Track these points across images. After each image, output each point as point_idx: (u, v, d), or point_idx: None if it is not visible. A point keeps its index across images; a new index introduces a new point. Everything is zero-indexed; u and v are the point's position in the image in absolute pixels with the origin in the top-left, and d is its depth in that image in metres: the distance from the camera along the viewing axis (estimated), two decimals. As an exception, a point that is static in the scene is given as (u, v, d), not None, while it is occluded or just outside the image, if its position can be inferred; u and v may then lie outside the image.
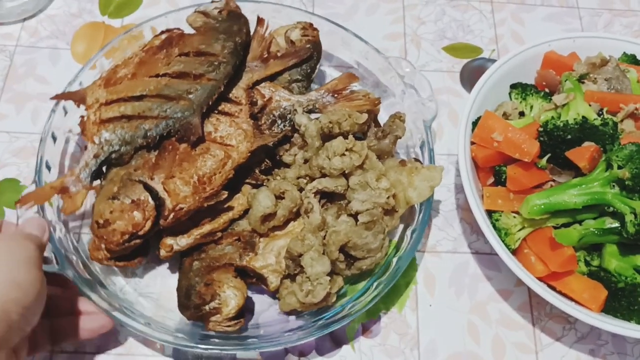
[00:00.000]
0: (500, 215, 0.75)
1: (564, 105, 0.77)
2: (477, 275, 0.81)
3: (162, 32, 0.80)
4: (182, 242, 0.71)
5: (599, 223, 0.71)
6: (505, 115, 0.81)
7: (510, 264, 0.71)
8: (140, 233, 0.68)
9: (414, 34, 0.98)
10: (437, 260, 0.82)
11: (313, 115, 0.78)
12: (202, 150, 0.72)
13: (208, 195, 0.70)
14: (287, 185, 0.72)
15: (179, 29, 0.81)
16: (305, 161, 0.76)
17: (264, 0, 0.89)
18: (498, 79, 0.83)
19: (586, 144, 0.72)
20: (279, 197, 0.73)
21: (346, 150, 0.72)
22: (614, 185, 0.70)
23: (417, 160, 0.78)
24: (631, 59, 0.85)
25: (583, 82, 0.80)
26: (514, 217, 0.75)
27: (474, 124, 0.79)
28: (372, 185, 0.71)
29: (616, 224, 0.70)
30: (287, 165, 0.77)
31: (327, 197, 0.75)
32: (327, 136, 0.75)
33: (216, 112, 0.76)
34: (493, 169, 0.79)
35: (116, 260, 0.71)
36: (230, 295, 0.68)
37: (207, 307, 0.68)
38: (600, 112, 0.76)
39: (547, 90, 0.84)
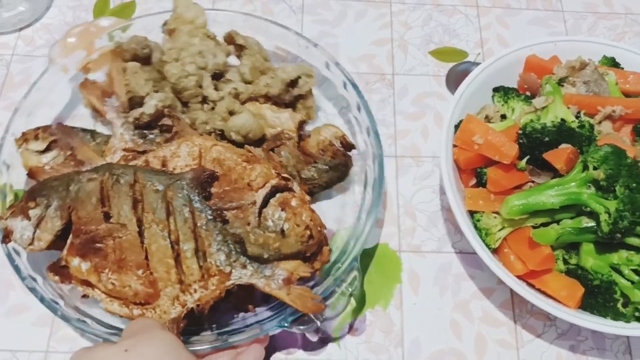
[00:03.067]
0: (482, 216, 0.77)
1: (543, 108, 0.79)
2: (460, 274, 0.83)
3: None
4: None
5: (576, 222, 0.73)
6: (488, 118, 0.84)
7: (490, 263, 0.73)
8: None
9: (401, 39, 1.01)
10: (422, 260, 0.84)
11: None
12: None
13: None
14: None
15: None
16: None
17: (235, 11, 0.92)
18: (481, 82, 0.85)
19: (563, 145, 0.74)
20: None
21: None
22: (590, 186, 0.72)
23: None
24: (610, 62, 0.87)
25: (562, 85, 0.82)
26: (495, 217, 0.77)
27: (457, 127, 0.81)
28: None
29: (592, 223, 0.72)
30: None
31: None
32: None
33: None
34: (475, 171, 0.81)
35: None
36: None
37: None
38: (578, 115, 0.78)
39: (528, 93, 0.86)
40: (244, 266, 0.70)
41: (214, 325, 0.76)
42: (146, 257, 0.70)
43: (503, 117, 0.84)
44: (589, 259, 0.74)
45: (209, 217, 0.71)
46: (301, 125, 0.85)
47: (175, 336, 0.63)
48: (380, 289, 0.82)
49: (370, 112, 0.83)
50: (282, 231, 0.72)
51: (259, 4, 1.02)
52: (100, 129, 0.86)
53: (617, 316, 0.73)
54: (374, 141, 0.81)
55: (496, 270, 0.73)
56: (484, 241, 0.76)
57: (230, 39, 0.86)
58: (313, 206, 0.82)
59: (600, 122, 0.79)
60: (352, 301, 0.80)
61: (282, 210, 0.73)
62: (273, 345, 0.77)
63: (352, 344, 0.79)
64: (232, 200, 0.73)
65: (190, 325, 0.71)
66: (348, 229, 0.80)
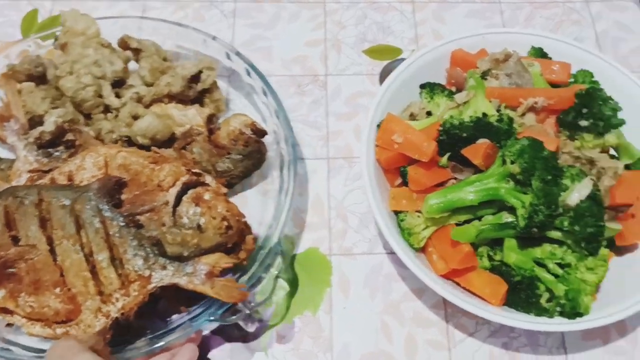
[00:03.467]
0: (406, 216, 0.76)
1: (465, 103, 0.78)
2: (391, 274, 0.82)
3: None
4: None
5: (496, 218, 0.72)
6: (413, 116, 0.82)
7: (409, 263, 0.71)
8: None
9: (335, 38, 0.99)
10: (353, 263, 0.83)
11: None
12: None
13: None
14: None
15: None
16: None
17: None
18: (406, 79, 0.83)
19: (480, 141, 0.73)
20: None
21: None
22: (508, 181, 0.70)
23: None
24: (539, 53, 0.85)
25: (486, 79, 0.80)
26: (419, 216, 0.76)
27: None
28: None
29: (512, 219, 0.71)
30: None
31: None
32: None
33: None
34: (399, 170, 0.79)
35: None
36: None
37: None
38: (499, 108, 0.76)
39: (454, 88, 0.84)
40: (164, 267, 0.70)
41: (148, 331, 0.75)
42: (62, 274, 0.69)
43: (429, 113, 0.83)
44: (512, 254, 0.72)
45: (121, 224, 0.70)
46: (211, 119, 0.84)
47: (96, 356, 0.61)
48: (309, 294, 0.81)
49: (277, 95, 0.83)
50: (199, 226, 0.72)
51: (190, 10, 1.01)
52: (6, 154, 0.85)
53: (540, 312, 0.71)
54: (284, 123, 0.81)
55: (416, 271, 0.71)
56: (408, 241, 0.75)
57: (124, 44, 0.85)
58: (236, 197, 0.84)
59: (523, 115, 0.77)
60: (284, 284, 0.81)
61: (196, 205, 0.73)
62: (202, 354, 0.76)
63: (279, 352, 0.77)
64: (144, 203, 0.73)
65: (121, 335, 0.71)
66: (270, 213, 0.79)
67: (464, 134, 0.73)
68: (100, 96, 0.83)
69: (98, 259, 0.69)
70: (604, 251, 0.69)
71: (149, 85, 0.85)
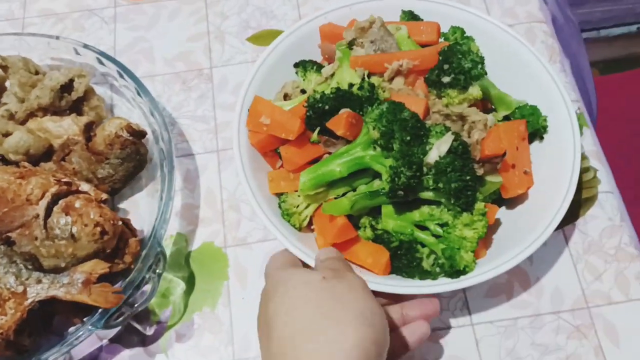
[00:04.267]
0: (287, 196, 0.74)
1: (332, 75, 0.77)
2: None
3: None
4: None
5: (368, 187, 0.70)
6: (287, 96, 0.81)
7: (286, 243, 0.70)
8: None
9: (218, 30, 0.98)
10: (248, 252, 0.81)
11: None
12: None
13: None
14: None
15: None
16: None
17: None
18: (277, 59, 0.82)
19: (342, 111, 0.71)
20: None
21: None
22: (375, 147, 0.69)
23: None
24: (409, 15, 0.84)
25: (352, 49, 0.79)
26: (299, 196, 0.74)
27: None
28: None
29: (383, 185, 0.69)
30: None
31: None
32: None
33: None
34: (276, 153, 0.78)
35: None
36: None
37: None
38: (364, 77, 0.75)
39: (327, 63, 0.83)
40: (39, 281, 0.69)
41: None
42: None
43: (304, 92, 0.81)
44: (389, 221, 0.71)
45: None
46: (90, 127, 0.83)
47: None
48: (207, 289, 0.79)
49: (149, 93, 0.81)
50: (72, 235, 0.71)
51: (69, 22, 0.99)
52: None
53: (423, 275, 0.70)
54: (159, 120, 0.80)
55: (294, 251, 0.70)
56: (289, 222, 0.73)
57: None
58: (127, 202, 0.84)
59: (392, 80, 0.76)
60: (180, 282, 0.80)
61: (67, 214, 0.71)
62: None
63: (180, 351, 0.76)
64: (14, 220, 0.71)
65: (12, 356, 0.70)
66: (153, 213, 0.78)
67: (326, 107, 0.72)
68: (-28, 118, 0.81)
69: (-33, 282, 0.68)
70: (479, 205, 0.68)
71: (22, 101, 0.83)
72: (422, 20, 0.83)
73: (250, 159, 0.76)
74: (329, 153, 0.74)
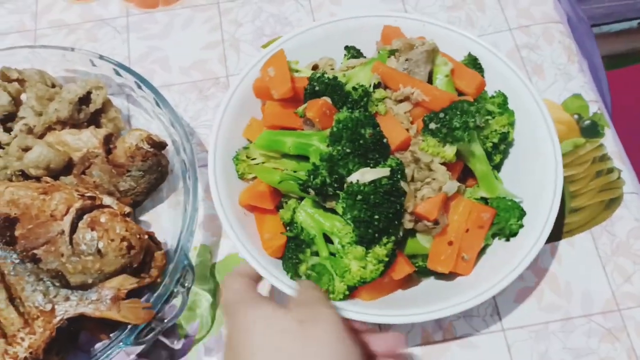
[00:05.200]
0: (249, 147, 0.77)
1: (354, 67, 0.77)
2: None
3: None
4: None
5: (299, 173, 0.70)
6: (316, 67, 0.81)
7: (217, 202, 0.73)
8: None
9: (232, 38, 0.97)
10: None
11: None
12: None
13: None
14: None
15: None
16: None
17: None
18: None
19: (323, 98, 0.71)
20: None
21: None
22: (328, 144, 0.68)
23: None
24: (472, 62, 0.80)
25: (390, 57, 0.78)
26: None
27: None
28: None
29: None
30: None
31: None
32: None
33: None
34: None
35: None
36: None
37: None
38: (377, 85, 0.74)
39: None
40: (67, 298, 0.68)
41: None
42: (-40, 323, 0.67)
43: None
44: (302, 212, 0.70)
45: (16, 261, 0.68)
46: (109, 139, 0.82)
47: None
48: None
49: (168, 104, 0.80)
50: (99, 251, 0.70)
51: (82, 32, 0.98)
52: None
53: (294, 276, 0.71)
54: (180, 131, 0.79)
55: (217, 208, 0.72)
56: (236, 166, 0.77)
57: (4, 76, 0.82)
58: (148, 214, 0.83)
59: (400, 102, 0.74)
60: (207, 296, 0.79)
61: (92, 230, 0.71)
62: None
63: (209, 365, 0.75)
64: (39, 236, 0.71)
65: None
66: (179, 226, 0.77)
67: (317, 88, 0.72)
68: (-11, 134, 0.80)
69: (-5, 301, 0.67)
70: (379, 251, 0.66)
71: (39, 114, 0.82)
72: (482, 69, 0.81)
73: (223, 172, 0.76)
74: (302, 130, 0.74)
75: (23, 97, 0.84)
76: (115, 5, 1.00)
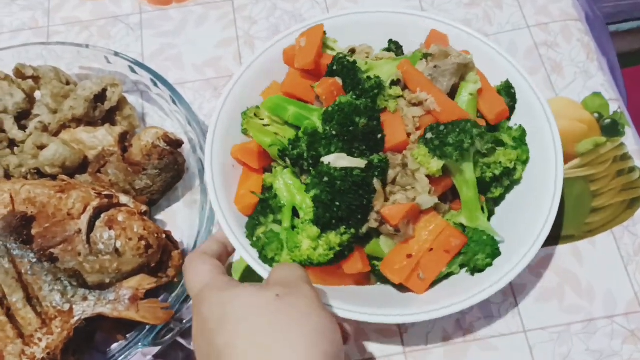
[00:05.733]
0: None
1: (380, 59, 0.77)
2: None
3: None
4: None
5: (288, 140, 0.70)
6: (352, 50, 0.79)
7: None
8: None
9: (247, 35, 0.96)
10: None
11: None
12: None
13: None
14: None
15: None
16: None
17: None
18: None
19: (335, 78, 0.71)
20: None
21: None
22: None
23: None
24: (505, 90, 0.77)
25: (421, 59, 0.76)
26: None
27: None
28: None
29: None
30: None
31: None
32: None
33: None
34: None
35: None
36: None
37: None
38: (396, 83, 0.73)
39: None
40: (85, 298, 0.67)
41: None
42: (-24, 323, 0.66)
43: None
44: (280, 179, 0.70)
45: (33, 260, 0.67)
46: (124, 137, 0.81)
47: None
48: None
49: (185, 102, 0.80)
50: (117, 250, 0.70)
51: (95, 29, 0.97)
52: None
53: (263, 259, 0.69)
54: (197, 129, 0.78)
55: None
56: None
57: (19, 73, 0.81)
58: (163, 213, 0.82)
59: (413, 105, 0.72)
60: None
61: (110, 229, 0.70)
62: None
63: None
64: (56, 235, 0.70)
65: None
66: (196, 225, 0.76)
67: (334, 68, 0.72)
68: (4, 131, 0.79)
69: (12, 300, 0.66)
70: (333, 238, 0.65)
71: (54, 112, 0.81)
72: (515, 99, 0.77)
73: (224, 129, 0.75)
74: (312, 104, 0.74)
75: (37, 94, 0.84)
76: (128, 2, 0.99)
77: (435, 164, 0.67)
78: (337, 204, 0.63)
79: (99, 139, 0.79)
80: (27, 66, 0.81)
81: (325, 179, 0.64)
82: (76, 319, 0.66)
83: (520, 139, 0.74)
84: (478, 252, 0.68)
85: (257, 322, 0.50)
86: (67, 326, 0.66)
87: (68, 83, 0.84)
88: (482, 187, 0.71)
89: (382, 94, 0.71)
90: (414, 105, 0.72)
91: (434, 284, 0.69)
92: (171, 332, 0.69)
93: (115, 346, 0.74)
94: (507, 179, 0.73)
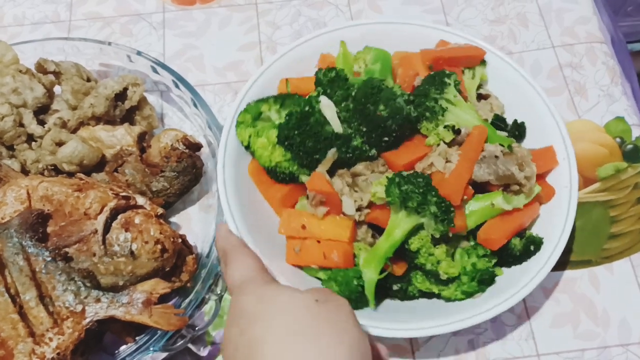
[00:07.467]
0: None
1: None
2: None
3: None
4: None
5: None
6: None
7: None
8: None
9: (270, 40, 0.95)
10: (305, 272, 0.78)
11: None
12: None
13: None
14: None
15: None
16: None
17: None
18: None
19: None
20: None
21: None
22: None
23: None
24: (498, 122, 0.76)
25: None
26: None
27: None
28: None
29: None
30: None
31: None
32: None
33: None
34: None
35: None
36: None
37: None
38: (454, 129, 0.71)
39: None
40: (98, 300, 0.66)
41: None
42: (-12, 320, 0.65)
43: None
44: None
45: (47, 259, 0.66)
46: (143, 137, 0.80)
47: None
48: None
49: (206, 105, 0.80)
50: (132, 252, 0.69)
51: (117, 26, 0.96)
52: None
53: None
54: (217, 134, 0.77)
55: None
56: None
57: (41, 68, 0.80)
58: (178, 216, 0.81)
59: (451, 130, 0.70)
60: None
61: (127, 231, 0.69)
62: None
63: None
64: (71, 234, 0.69)
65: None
66: (211, 230, 0.76)
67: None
68: (22, 125, 0.78)
69: (25, 298, 0.65)
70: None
71: (74, 108, 0.80)
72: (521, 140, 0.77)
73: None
74: None
75: (56, 89, 0.83)
76: (152, 1, 0.98)
77: (378, 190, 0.66)
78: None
79: (118, 138, 0.79)
80: (49, 61, 0.81)
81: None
82: (88, 320, 0.65)
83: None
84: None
85: (293, 322, 0.50)
86: (78, 327, 0.65)
87: (89, 80, 0.83)
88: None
89: (435, 120, 0.70)
90: (455, 145, 0.71)
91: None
92: (183, 338, 0.68)
93: (123, 348, 0.73)
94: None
